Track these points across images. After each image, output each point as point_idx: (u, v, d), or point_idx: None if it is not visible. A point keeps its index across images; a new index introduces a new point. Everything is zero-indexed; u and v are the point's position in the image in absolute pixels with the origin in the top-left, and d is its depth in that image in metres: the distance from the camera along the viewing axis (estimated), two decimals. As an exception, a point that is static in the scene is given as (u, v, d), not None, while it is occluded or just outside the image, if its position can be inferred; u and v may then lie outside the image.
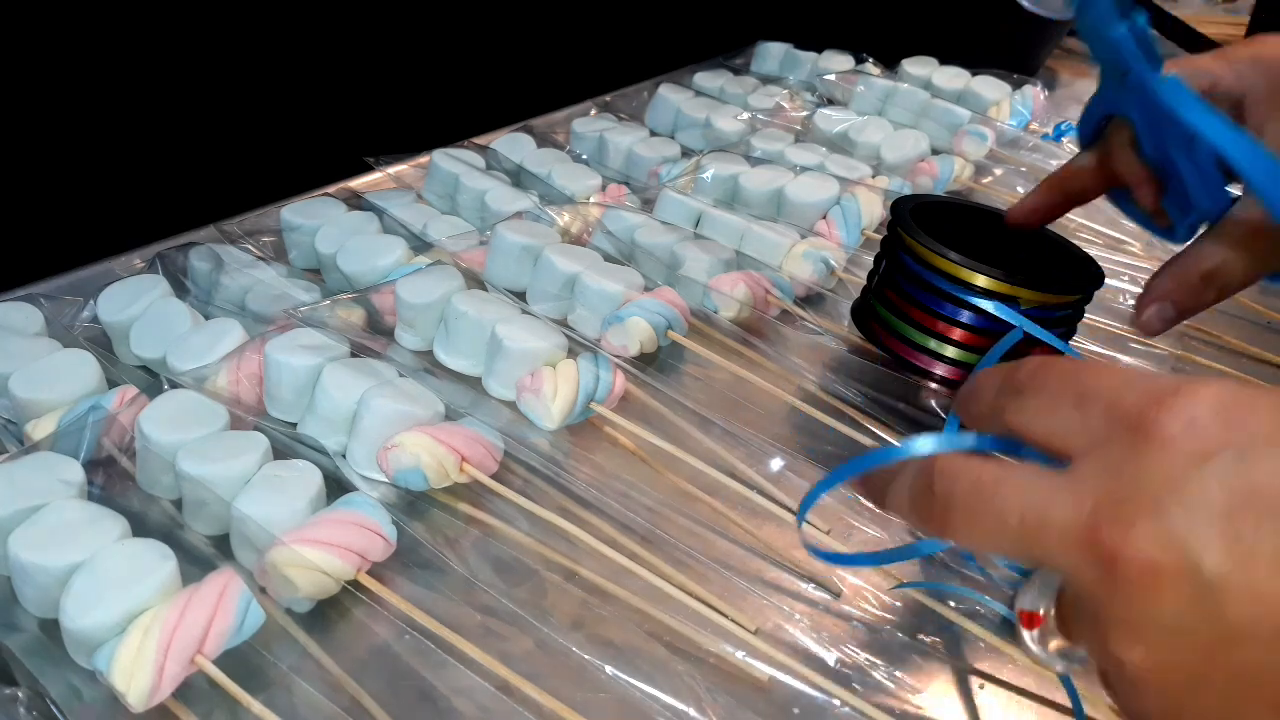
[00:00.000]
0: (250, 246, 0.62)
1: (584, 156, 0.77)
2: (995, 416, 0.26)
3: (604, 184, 0.71)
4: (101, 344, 0.54)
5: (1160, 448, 0.21)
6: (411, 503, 0.45)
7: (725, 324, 0.58)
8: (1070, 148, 0.82)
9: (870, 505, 0.47)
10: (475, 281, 0.57)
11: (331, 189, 0.71)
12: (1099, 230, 0.72)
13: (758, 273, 0.60)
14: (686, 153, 0.78)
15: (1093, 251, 0.68)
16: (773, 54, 0.99)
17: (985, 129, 0.81)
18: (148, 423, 0.43)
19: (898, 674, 0.40)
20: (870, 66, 0.94)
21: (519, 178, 0.71)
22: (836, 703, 0.38)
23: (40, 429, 0.45)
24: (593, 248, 0.60)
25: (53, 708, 0.34)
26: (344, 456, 0.46)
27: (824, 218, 0.67)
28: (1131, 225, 0.72)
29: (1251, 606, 0.20)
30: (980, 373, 0.28)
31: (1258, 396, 0.22)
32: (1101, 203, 0.74)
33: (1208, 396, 0.22)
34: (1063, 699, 0.39)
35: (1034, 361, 0.26)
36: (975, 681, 0.40)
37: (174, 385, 0.46)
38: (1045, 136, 0.84)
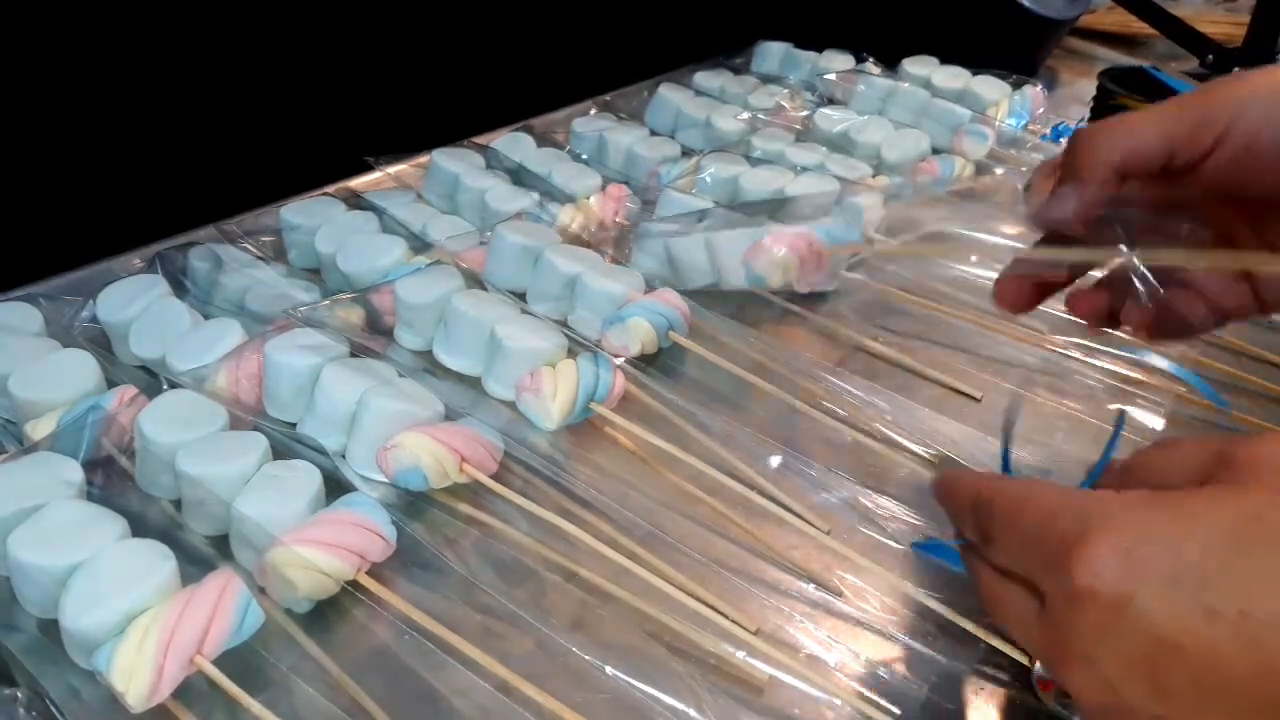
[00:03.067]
0: (250, 246, 0.62)
1: (584, 156, 0.77)
2: (979, 546, 0.31)
3: (604, 184, 0.71)
4: (101, 344, 0.54)
5: (1080, 601, 0.25)
6: (411, 503, 0.45)
7: (728, 322, 0.57)
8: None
9: (874, 509, 0.47)
10: (475, 281, 0.57)
11: (331, 189, 0.71)
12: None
13: (798, 229, 0.57)
14: (686, 152, 0.78)
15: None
16: (773, 53, 0.99)
17: (986, 129, 0.81)
18: (147, 423, 0.43)
19: (898, 675, 0.39)
20: (870, 66, 0.94)
21: (519, 177, 0.71)
22: (837, 703, 0.38)
23: (40, 429, 0.45)
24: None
25: (52, 708, 0.34)
26: (343, 456, 0.46)
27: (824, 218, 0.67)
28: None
29: None
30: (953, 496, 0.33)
31: (1151, 538, 0.24)
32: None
33: (1108, 547, 0.24)
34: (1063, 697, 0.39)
35: (984, 501, 0.30)
36: (976, 682, 0.40)
37: (173, 385, 0.46)
38: (1044, 137, 0.84)
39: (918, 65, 0.92)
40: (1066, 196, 0.39)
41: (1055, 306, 0.62)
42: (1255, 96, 0.36)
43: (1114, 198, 0.38)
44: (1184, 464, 0.28)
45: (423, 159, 0.74)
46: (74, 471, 0.41)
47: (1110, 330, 0.43)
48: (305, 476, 0.42)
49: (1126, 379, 0.57)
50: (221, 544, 0.42)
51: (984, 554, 0.31)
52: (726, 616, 0.40)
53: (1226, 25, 1.14)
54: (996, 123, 0.83)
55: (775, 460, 0.49)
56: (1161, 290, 0.39)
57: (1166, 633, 0.23)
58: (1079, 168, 0.39)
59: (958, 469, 0.32)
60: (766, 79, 0.93)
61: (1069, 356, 0.59)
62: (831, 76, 0.90)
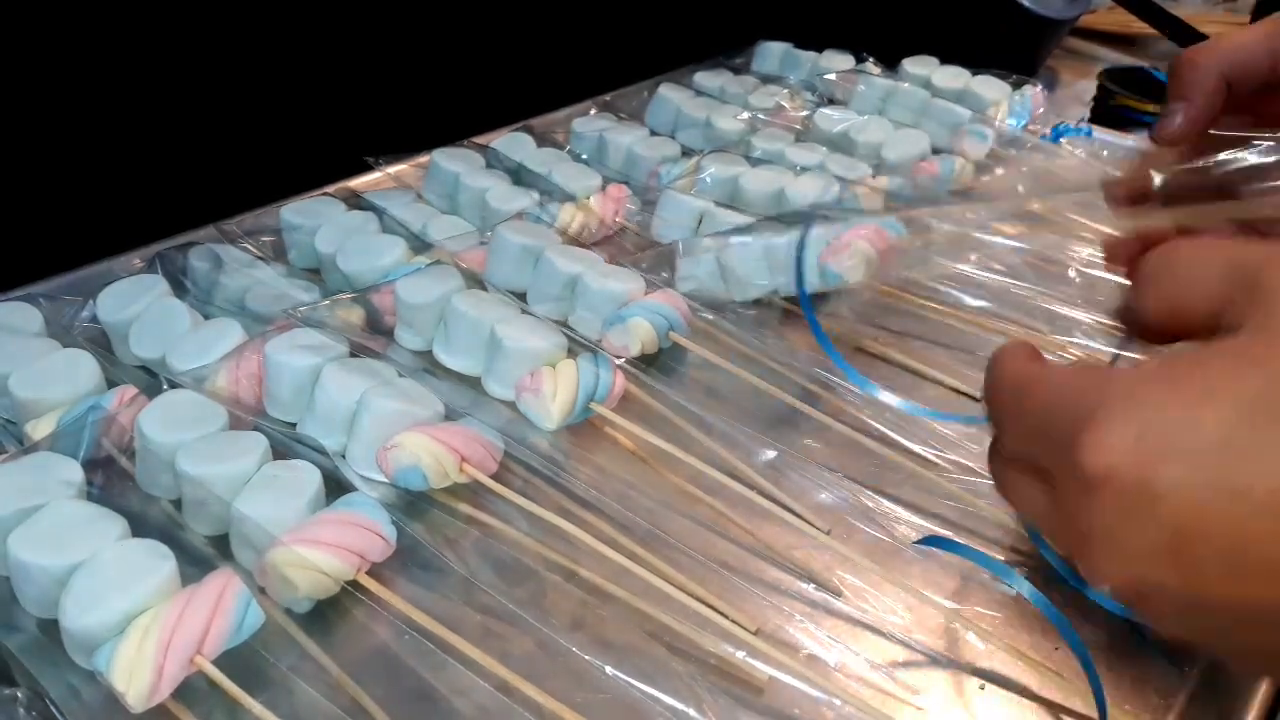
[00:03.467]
0: (250, 246, 0.62)
1: (584, 156, 0.77)
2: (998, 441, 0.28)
3: (604, 183, 0.71)
4: (101, 344, 0.54)
5: (1094, 489, 0.23)
6: (411, 503, 0.45)
7: (729, 322, 0.57)
8: (1069, 148, 0.82)
9: (874, 509, 0.47)
10: (475, 281, 0.57)
11: (331, 189, 0.71)
12: (1100, 229, 0.72)
13: (868, 224, 0.57)
14: (687, 152, 0.78)
15: (1092, 251, 0.69)
16: (773, 53, 0.99)
17: (986, 128, 0.81)
18: (147, 423, 0.43)
19: (898, 674, 0.39)
20: (871, 66, 0.94)
21: (519, 177, 0.71)
22: (837, 703, 0.38)
23: (40, 429, 0.45)
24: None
25: (52, 708, 0.34)
26: (343, 456, 0.46)
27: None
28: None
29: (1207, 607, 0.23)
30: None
31: (1167, 415, 0.22)
32: (1099, 200, 0.74)
33: (1119, 429, 0.23)
34: (1063, 699, 0.39)
35: (990, 388, 0.28)
36: (975, 682, 0.40)
37: (173, 385, 0.46)
38: (1044, 137, 0.84)
39: (918, 65, 0.92)
40: (1175, 112, 0.40)
41: (1055, 305, 0.62)
42: None
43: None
44: (1204, 281, 0.26)
45: (423, 159, 0.74)
46: (74, 471, 0.41)
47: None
48: (305, 476, 0.42)
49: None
50: (221, 544, 0.42)
51: (998, 444, 0.28)
52: (726, 616, 0.40)
53: (1227, 25, 1.14)
54: (996, 123, 0.83)
55: (775, 460, 0.49)
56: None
57: (1190, 516, 0.22)
58: (1185, 83, 0.40)
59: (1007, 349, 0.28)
60: (766, 79, 0.93)
61: (1069, 356, 0.59)
62: (831, 76, 0.90)
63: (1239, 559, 0.21)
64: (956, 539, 0.45)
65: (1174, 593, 0.22)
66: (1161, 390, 0.23)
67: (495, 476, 0.46)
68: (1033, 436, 0.26)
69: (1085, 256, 0.67)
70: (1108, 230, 0.70)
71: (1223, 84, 0.39)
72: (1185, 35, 1.02)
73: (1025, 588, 0.40)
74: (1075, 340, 0.59)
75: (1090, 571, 0.24)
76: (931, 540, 0.42)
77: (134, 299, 0.53)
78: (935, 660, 0.40)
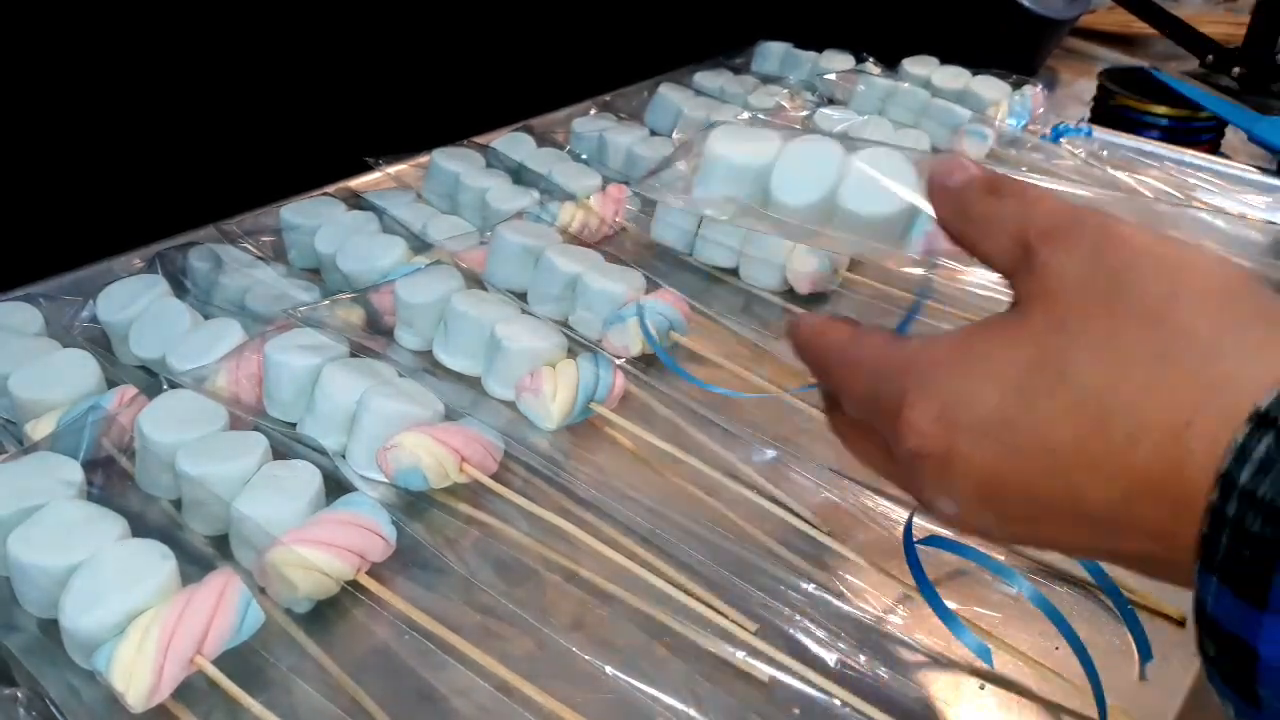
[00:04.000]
0: (249, 246, 0.62)
1: (584, 156, 0.77)
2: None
3: (604, 183, 0.71)
4: (101, 344, 0.54)
5: (915, 460, 0.28)
6: (411, 503, 0.45)
7: (729, 322, 0.57)
8: (1069, 149, 0.82)
9: (874, 509, 0.47)
10: (475, 281, 0.57)
11: (331, 189, 0.71)
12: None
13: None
14: (687, 152, 0.78)
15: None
16: (773, 53, 0.99)
17: (986, 128, 0.81)
18: (147, 423, 0.43)
19: (898, 674, 0.39)
20: (871, 66, 0.94)
21: (519, 177, 0.71)
22: (837, 703, 0.38)
23: (39, 429, 0.45)
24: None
25: (52, 708, 0.34)
26: (343, 456, 0.46)
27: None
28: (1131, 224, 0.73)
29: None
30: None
31: (958, 394, 0.27)
32: (1099, 199, 0.74)
33: (922, 412, 0.27)
34: (1063, 699, 0.39)
35: (819, 362, 0.32)
36: (975, 681, 0.40)
37: (173, 385, 0.46)
38: (1044, 137, 0.84)
39: (918, 65, 0.92)
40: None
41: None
42: None
43: None
44: (997, 241, 0.29)
45: (423, 159, 0.74)
46: (74, 471, 0.41)
47: None
48: (305, 476, 0.42)
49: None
50: (221, 544, 0.42)
51: (837, 407, 0.33)
52: (726, 617, 0.40)
53: (1227, 25, 1.14)
54: (996, 123, 0.83)
55: (775, 460, 0.49)
56: None
57: (989, 474, 0.26)
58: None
59: (809, 316, 0.33)
60: (767, 79, 0.93)
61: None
62: (831, 76, 0.90)
63: (1035, 508, 0.26)
64: (956, 539, 0.45)
65: (996, 527, 0.28)
66: (953, 371, 0.27)
67: (495, 476, 0.46)
68: (863, 407, 0.31)
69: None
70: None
71: None
72: (1185, 35, 1.02)
73: (1025, 587, 0.40)
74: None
75: (935, 517, 0.29)
76: (932, 540, 0.42)
77: (134, 299, 0.53)
78: (935, 660, 0.40)
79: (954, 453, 0.27)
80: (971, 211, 0.31)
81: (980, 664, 0.40)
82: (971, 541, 0.42)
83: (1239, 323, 0.25)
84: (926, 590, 0.39)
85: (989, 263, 0.30)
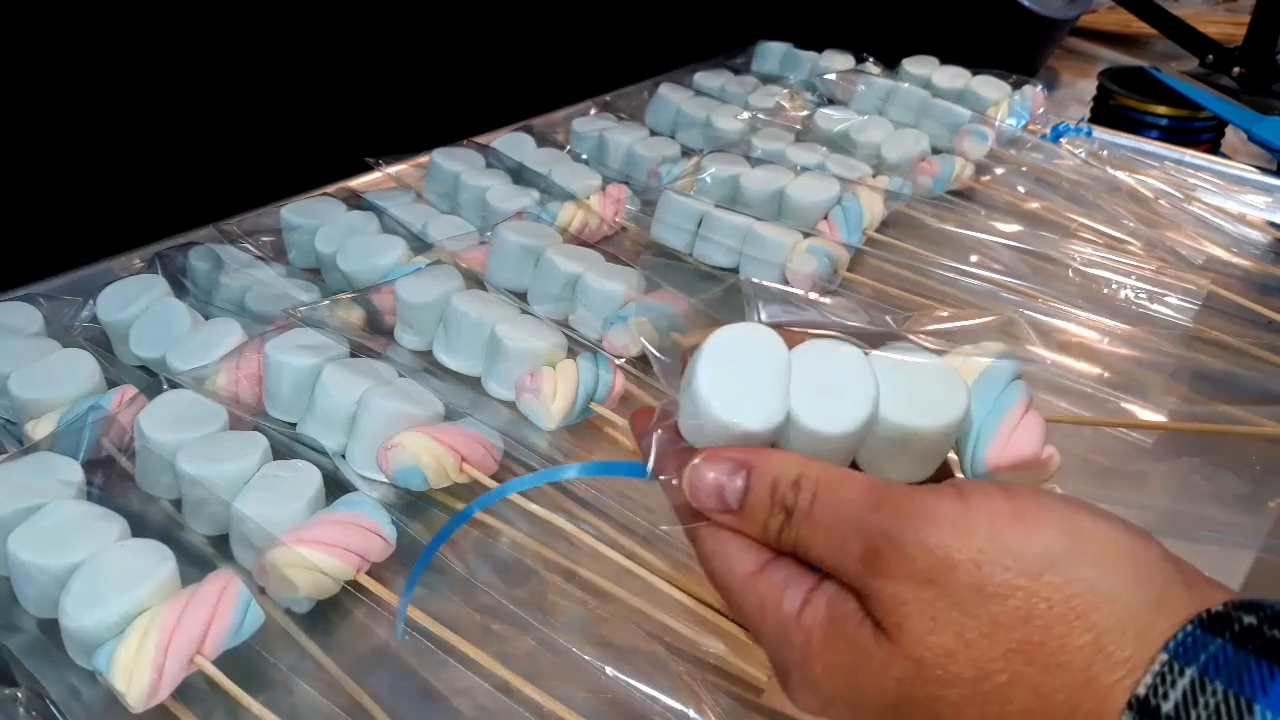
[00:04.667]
0: (249, 246, 0.62)
1: (584, 156, 0.77)
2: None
3: (604, 183, 0.71)
4: (101, 344, 0.54)
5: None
6: (411, 503, 0.45)
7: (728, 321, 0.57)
8: (1069, 149, 0.82)
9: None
10: (475, 281, 0.57)
11: (331, 189, 0.71)
12: (1099, 229, 0.72)
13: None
14: (687, 152, 0.78)
15: (1092, 251, 0.69)
16: (773, 53, 0.99)
17: (986, 128, 0.81)
18: (147, 423, 0.43)
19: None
20: (871, 66, 0.94)
21: (519, 177, 0.71)
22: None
23: (40, 429, 0.45)
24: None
25: (52, 708, 0.34)
26: (343, 457, 0.46)
27: (825, 218, 0.67)
28: (1132, 224, 0.73)
29: None
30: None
31: (836, 698, 0.28)
32: (1099, 199, 0.74)
33: (805, 697, 0.29)
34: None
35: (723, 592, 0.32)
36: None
37: (173, 385, 0.46)
38: (1044, 137, 0.84)
39: (918, 65, 0.92)
40: None
41: (1055, 305, 0.62)
42: None
43: None
44: (829, 562, 0.28)
45: (423, 159, 0.74)
46: (74, 471, 0.41)
47: None
48: (305, 476, 0.42)
49: (1125, 380, 0.57)
50: (221, 544, 0.42)
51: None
52: (727, 616, 0.40)
53: (1227, 25, 1.14)
54: (996, 123, 0.83)
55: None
56: None
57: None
58: None
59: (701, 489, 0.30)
60: (767, 79, 0.93)
61: (1064, 360, 0.59)
62: (832, 76, 0.90)
63: None
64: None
65: None
66: (828, 672, 0.27)
67: (495, 476, 0.46)
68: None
69: (1085, 256, 0.67)
70: (1108, 231, 0.70)
71: None
72: (1185, 35, 1.02)
73: None
74: (1073, 337, 0.59)
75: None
76: None
77: (134, 299, 0.53)
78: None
79: None
80: (784, 543, 0.29)
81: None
82: None
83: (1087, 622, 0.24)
84: None
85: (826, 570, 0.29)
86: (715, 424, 0.30)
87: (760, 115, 0.84)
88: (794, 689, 0.29)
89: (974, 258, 0.67)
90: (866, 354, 0.32)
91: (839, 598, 0.28)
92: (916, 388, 0.32)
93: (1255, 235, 0.75)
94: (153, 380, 0.47)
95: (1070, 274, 0.66)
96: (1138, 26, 1.15)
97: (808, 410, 0.30)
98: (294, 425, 0.48)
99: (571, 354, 0.52)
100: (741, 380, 0.30)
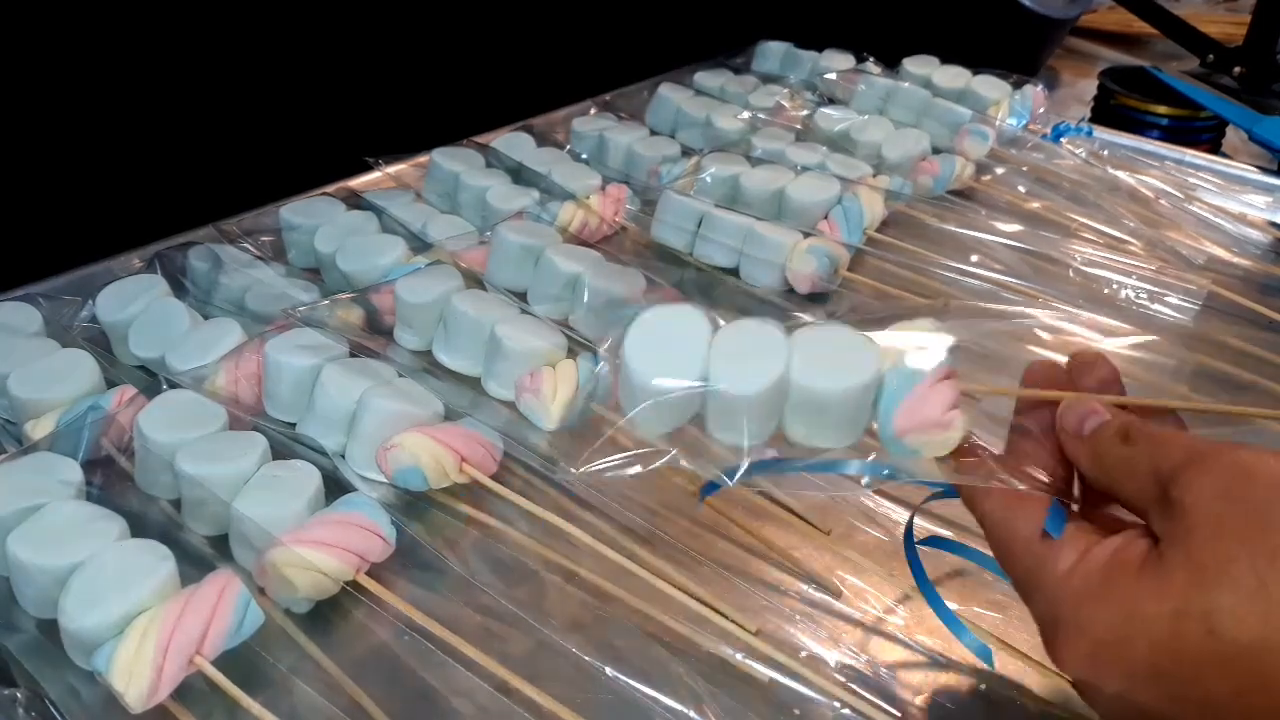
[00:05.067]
0: (249, 246, 0.62)
1: (584, 156, 0.77)
2: None
3: (604, 183, 0.71)
4: (100, 344, 0.53)
5: (1070, 676, 0.31)
6: (411, 503, 0.45)
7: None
8: (1070, 148, 0.82)
9: (874, 509, 0.47)
10: (475, 281, 0.56)
11: (331, 189, 0.71)
12: (1100, 229, 0.72)
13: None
14: (687, 152, 0.78)
15: (1092, 251, 0.69)
16: (773, 53, 0.99)
17: (986, 128, 0.81)
18: (146, 423, 0.43)
19: (898, 675, 0.39)
20: (871, 65, 0.94)
21: (519, 176, 0.71)
22: (837, 704, 0.38)
23: (39, 429, 0.45)
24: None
25: (51, 708, 0.34)
26: (343, 457, 0.46)
27: (825, 218, 0.67)
28: (1132, 224, 0.73)
29: None
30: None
31: (1106, 640, 0.28)
32: (1100, 199, 0.74)
33: (1074, 650, 0.29)
34: (1063, 700, 0.39)
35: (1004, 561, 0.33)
36: (975, 681, 0.40)
37: (173, 385, 0.46)
38: (1044, 137, 0.84)
39: (918, 65, 0.92)
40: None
41: (1055, 304, 0.62)
42: None
43: None
44: (1130, 483, 0.31)
45: (423, 159, 0.74)
46: (73, 471, 0.41)
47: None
48: (305, 477, 0.42)
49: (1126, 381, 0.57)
50: (221, 544, 0.42)
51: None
52: (726, 617, 0.40)
53: (1227, 25, 1.14)
54: (997, 122, 0.83)
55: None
56: None
57: (1140, 712, 0.28)
58: None
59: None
60: (767, 78, 0.93)
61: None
62: (832, 76, 0.90)
63: None
64: (957, 540, 0.45)
65: None
66: (1099, 612, 0.28)
67: (495, 477, 0.45)
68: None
69: (1085, 256, 0.67)
70: (1108, 231, 0.70)
71: None
72: (1186, 35, 1.02)
73: None
74: (1073, 338, 0.59)
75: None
76: (932, 541, 0.42)
77: (133, 299, 0.53)
78: (935, 660, 0.40)
79: (1104, 691, 0.28)
80: (1107, 460, 0.32)
81: (981, 664, 0.40)
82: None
83: None
84: (927, 590, 0.39)
85: (1128, 506, 0.31)
86: (641, 386, 0.35)
87: (760, 115, 0.84)
88: (1060, 645, 0.29)
89: (975, 257, 0.67)
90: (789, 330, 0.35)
91: (1129, 542, 0.30)
92: (830, 356, 0.35)
93: (1256, 235, 0.74)
94: (152, 380, 0.47)
95: (1070, 274, 0.66)
96: (1138, 26, 1.15)
97: (721, 374, 0.34)
98: (293, 425, 0.48)
99: (571, 354, 0.52)
100: (664, 351, 0.35)
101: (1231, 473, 0.28)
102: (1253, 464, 0.27)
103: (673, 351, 0.35)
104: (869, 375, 0.34)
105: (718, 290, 0.64)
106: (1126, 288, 0.66)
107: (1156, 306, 0.63)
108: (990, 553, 0.38)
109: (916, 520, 0.41)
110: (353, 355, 0.49)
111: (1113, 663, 0.28)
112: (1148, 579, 0.28)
